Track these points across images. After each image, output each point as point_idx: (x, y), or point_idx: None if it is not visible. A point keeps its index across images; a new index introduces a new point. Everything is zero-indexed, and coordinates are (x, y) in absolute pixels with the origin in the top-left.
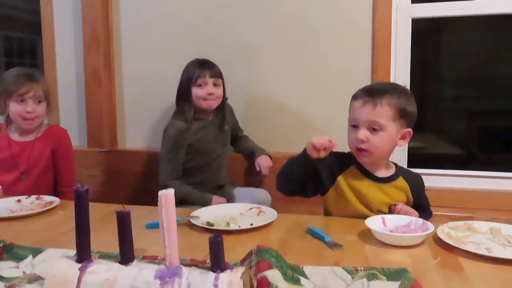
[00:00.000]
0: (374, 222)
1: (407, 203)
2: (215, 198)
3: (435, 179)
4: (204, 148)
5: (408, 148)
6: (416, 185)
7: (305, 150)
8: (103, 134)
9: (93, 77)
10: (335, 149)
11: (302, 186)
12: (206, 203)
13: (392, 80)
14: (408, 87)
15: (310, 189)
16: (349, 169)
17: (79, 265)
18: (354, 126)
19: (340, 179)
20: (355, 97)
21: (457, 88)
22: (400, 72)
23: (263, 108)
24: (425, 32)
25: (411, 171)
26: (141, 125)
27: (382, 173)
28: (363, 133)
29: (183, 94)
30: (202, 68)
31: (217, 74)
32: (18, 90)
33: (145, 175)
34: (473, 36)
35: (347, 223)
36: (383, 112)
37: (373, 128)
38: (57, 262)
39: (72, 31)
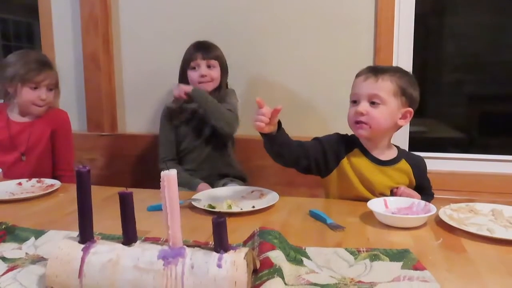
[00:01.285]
0: (376, 204)
1: (409, 186)
2: (202, 185)
3: (436, 163)
4: (193, 129)
5: (409, 132)
6: (419, 167)
7: (261, 134)
8: (103, 117)
9: (92, 59)
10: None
11: (296, 160)
12: (191, 187)
13: (394, 62)
14: (411, 70)
15: (306, 162)
16: (352, 152)
17: (82, 245)
18: (354, 101)
19: (344, 161)
20: (358, 75)
21: (459, 72)
22: (403, 55)
23: (264, 91)
24: (429, 15)
25: (413, 154)
26: (141, 108)
27: (384, 155)
28: (362, 106)
29: (182, 76)
30: (196, 50)
31: (212, 56)
32: (34, 78)
33: (146, 159)
34: (476, 20)
35: (349, 206)
36: (384, 85)
37: (373, 102)
38: (60, 243)
39: (69, 12)
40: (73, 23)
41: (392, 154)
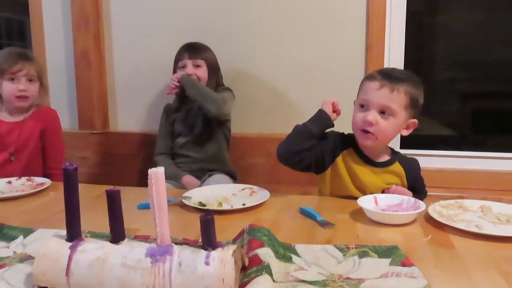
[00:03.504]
0: (366, 201)
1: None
2: (187, 177)
3: (427, 160)
4: (187, 126)
5: None
6: (412, 170)
7: (320, 109)
8: (94, 115)
9: (83, 57)
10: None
11: (302, 154)
12: (176, 179)
13: (386, 60)
14: (402, 67)
15: (308, 161)
16: (347, 151)
17: (70, 243)
18: (362, 106)
19: (339, 159)
20: (370, 78)
21: (451, 70)
22: (395, 53)
23: (255, 89)
24: (420, 13)
25: (407, 157)
26: (133, 106)
27: (379, 157)
28: (373, 115)
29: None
30: (184, 50)
31: (199, 56)
32: (10, 69)
33: (138, 157)
34: (468, 18)
35: (339, 203)
36: (398, 98)
37: (383, 112)
38: (48, 241)
39: (60, 10)
40: (63, 21)
41: (386, 156)
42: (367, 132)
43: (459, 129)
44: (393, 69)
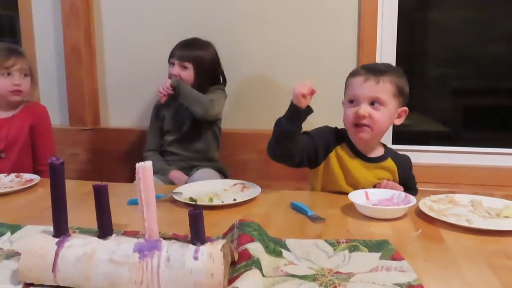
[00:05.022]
0: (357, 196)
1: None
2: (174, 172)
3: (419, 155)
4: (173, 124)
5: (393, 125)
6: (404, 166)
7: (292, 104)
8: (85, 111)
9: (73, 52)
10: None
11: (290, 152)
12: (163, 173)
13: (378, 56)
14: (395, 64)
15: (299, 158)
16: (341, 145)
17: (57, 239)
18: (351, 102)
19: (332, 155)
20: (354, 74)
21: (443, 66)
22: (387, 48)
23: (246, 85)
24: (412, 10)
25: (399, 153)
26: (124, 102)
27: (372, 153)
28: (364, 108)
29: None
30: (176, 48)
31: (186, 58)
32: (4, 63)
33: (129, 153)
34: (460, 14)
35: (330, 198)
36: (385, 88)
37: (373, 104)
38: (34, 237)
39: (50, 4)
40: (53, 15)
41: (379, 151)
42: (361, 125)
43: (451, 125)
44: (374, 63)
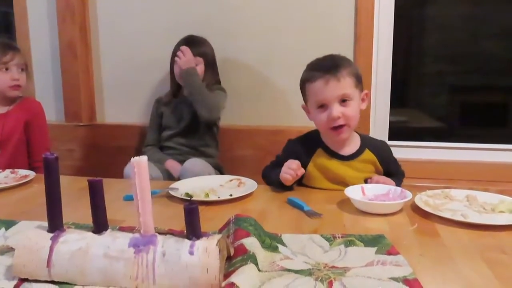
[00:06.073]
0: (353, 191)
1: (377, 173)
2: (170, 161)
3: (416, 151)
4: (172, 119)
5: (390, 122)
6: (383, 154)
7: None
8: (81, 107)
9: (69, 49)
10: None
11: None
12: (160, 163)
13: (374, 51)
14: (391, 60)
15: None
16: (316, 153)
17: (51, 234)
18: (321, 107)
19: (310, 166)
20: (311, 79)
21: (440, 62)
22: (383, 44)
23: (243, 81)
24: (409, 6)
25: (375, 139)
26: (120, 98)
27: (349, 148)
28: (336, 109)
29: (171, 69)
30: (182, 44)
31: (196, 52)
32: (2, 58)
33: (125, 149)
34: (457, 11)
35: (327, 194)
36: (347, 82)
37: (342, 101)
38: (28, 232)
39: (45, 0)
40: (48, 12)
41: (355, 145)
42: (339, 127)
43: (447, 121)
44: (323, 60)
